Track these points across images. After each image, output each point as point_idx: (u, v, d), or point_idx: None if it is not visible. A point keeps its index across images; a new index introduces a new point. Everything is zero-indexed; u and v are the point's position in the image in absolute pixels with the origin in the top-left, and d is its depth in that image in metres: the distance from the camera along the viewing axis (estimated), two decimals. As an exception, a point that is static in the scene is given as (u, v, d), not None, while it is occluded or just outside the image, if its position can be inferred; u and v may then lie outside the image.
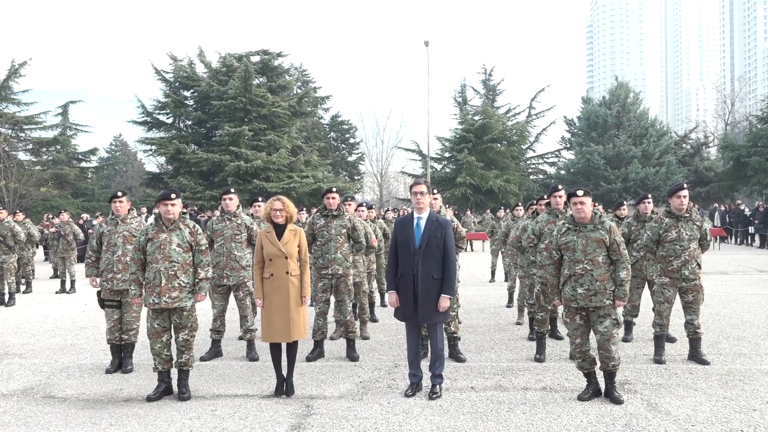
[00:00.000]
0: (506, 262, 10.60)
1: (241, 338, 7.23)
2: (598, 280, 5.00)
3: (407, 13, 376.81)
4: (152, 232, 5.32)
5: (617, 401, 4.95)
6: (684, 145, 39.81)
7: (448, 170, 37.37)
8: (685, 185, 6.45)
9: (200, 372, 6.09)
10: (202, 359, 6.56)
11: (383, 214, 15.29)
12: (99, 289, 6.35)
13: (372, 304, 8.92)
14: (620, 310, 5.13)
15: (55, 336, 8.19)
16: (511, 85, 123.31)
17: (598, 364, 5.11)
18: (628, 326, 7.35)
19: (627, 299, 5.11)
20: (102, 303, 6.28)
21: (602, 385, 5.15)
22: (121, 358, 6.28)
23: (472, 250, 22.75)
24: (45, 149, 35.30)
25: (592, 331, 5.17)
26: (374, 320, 8.72)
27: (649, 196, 7.76)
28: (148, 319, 5.35)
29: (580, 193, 5.12)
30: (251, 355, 6.61)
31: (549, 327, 6.78)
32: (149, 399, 5.23)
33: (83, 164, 37.45)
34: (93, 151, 37.87)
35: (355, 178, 44.21)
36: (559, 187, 6.68)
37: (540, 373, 5.91)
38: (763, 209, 22.75)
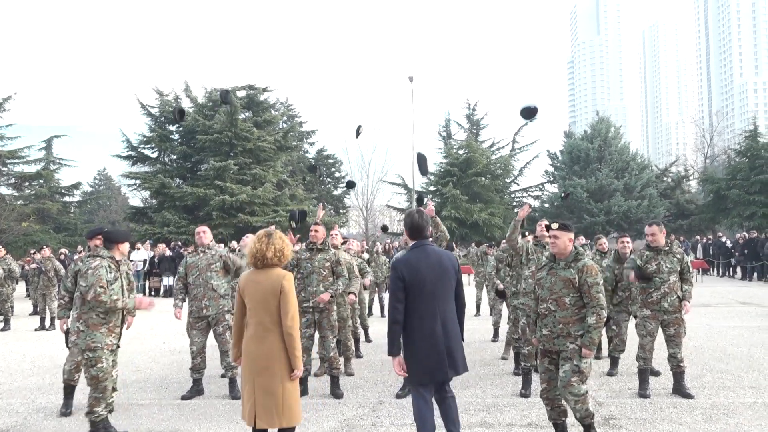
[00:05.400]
0: (491, 296, 10.60)
1: (223, 376, 7.13)
2: (561, 322, 4.63)
3: (392, 49, 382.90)
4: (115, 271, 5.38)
5: None
6: (665, 179, 40.38)
7: (433, 204, 37.48)
8: (652, 224, 6.44)
9: (181, 411, 5.98)
10: (183, 398, 6.46)
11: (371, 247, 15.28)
12: (68, 327, 6.15)
13: (357, 340, 8.86)
14: (588, 361, 4.60)
15: (32, 375, 8.02)
16: (495, 119, 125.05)
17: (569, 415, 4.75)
18: (614, 361, 7.39)
19: (594, 348, 4.57)
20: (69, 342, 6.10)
21: None
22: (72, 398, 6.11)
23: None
24: (28, 183, 35.04)
25: None
26: (359, 356, 8.66)
27: (627, 236, 7.81)
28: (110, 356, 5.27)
29: (554, 225, 4.80)
30: (234, 393, 6.49)
31: (535, 361, 6.77)
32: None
33: (66, 198, 37.17)
34: (76, 186, 37.66)
35: (341, 211, 44.27)
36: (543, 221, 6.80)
37: (525, 409, 5.87)
38: (743, 241, 23.03)
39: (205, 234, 6.78)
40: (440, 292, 4.31)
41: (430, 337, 4.22)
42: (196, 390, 6.63)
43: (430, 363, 4.20)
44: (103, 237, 5.34)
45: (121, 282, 5.35)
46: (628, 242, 7.62)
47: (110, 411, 5.26)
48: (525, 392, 6.36)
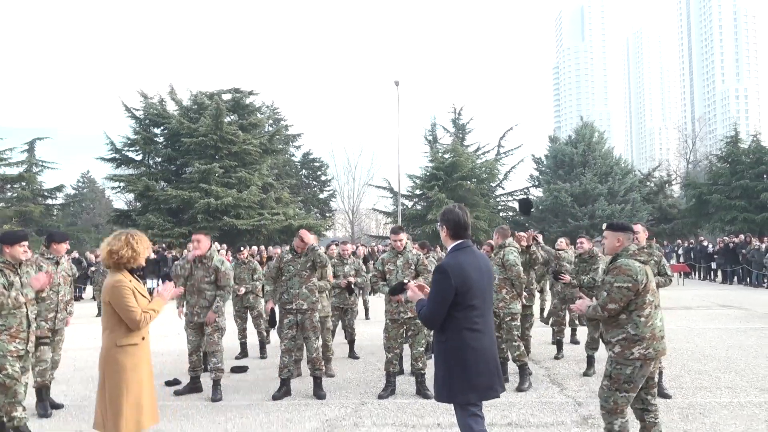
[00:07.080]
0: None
1: (206, 370, 7.09)
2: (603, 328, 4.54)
3: (378, 53, 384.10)
4: None
5: None
6: (648, 183, 40.83)
7: (418, 207, 37.68)
8: (637, 224, 6.58)
9: (163, 412, 5.94)
10: (176, 393, 6.70)
11: (356, 250, 15.37)
12: None
13: (352, 341, 8.93)
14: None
15: None
16: (480, 124, 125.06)
17: None
18: (590, 360, 7.46)
19: (583, 307, 4.45)
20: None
21: None
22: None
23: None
24: (9, 186, 34.71)
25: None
26: (355, 357, 8.78)
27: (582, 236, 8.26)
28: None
29: (604, 226, 4.59)
30: (215, 396, 6.50)
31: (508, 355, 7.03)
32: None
33: (49, 201, 36.81)
34: (59, 188, 37.29)
35: (327, 215, 44.26)
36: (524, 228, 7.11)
37: (506, 409, 5.92)
38: (723, 245, 23.35)
39: (199, 243, 6.71)
40: (489, 301, 3.82)
41: (485, 353, 3.68)
42: (191, 387, 6.81)
43: (483, 381, 3.68)
44: None
45: (21, 284, 5.11)
46: (581, 241, 8.08)
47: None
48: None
